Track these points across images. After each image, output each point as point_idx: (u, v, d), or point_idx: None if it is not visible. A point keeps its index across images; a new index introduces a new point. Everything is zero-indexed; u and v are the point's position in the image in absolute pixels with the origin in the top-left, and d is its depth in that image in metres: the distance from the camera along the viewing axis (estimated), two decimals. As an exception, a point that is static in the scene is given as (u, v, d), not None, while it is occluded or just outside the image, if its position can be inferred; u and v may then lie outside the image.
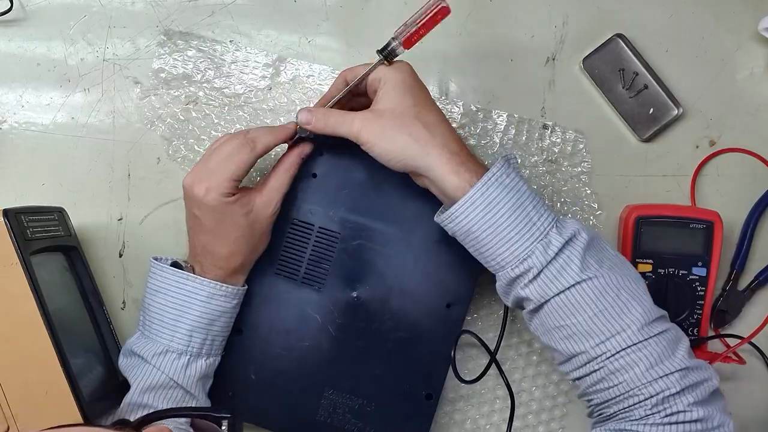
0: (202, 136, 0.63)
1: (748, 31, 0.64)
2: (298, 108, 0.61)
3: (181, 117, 0.64)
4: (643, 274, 0.61)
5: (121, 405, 0.55)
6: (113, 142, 0.64)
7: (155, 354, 0.54)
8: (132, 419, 0.46)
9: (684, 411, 0.46)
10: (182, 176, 0.63)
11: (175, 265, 0.56)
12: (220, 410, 0.43)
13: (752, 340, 0.62)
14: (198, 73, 0.64)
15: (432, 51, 0.64)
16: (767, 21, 0.62)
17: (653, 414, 0.47)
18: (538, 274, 0.48)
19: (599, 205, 0.64)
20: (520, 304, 0.52)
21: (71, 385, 0.49)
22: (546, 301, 0.49)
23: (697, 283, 0.61)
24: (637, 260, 0.61)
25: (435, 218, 0.53)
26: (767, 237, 0.65)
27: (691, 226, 0.61)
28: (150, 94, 0.64)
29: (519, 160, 0.63)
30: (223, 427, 0.43)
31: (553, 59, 0.65)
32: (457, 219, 0.50)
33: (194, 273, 0.55)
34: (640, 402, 0.47)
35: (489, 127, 0.64)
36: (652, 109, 0.63)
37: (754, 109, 0.65)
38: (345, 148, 0.55)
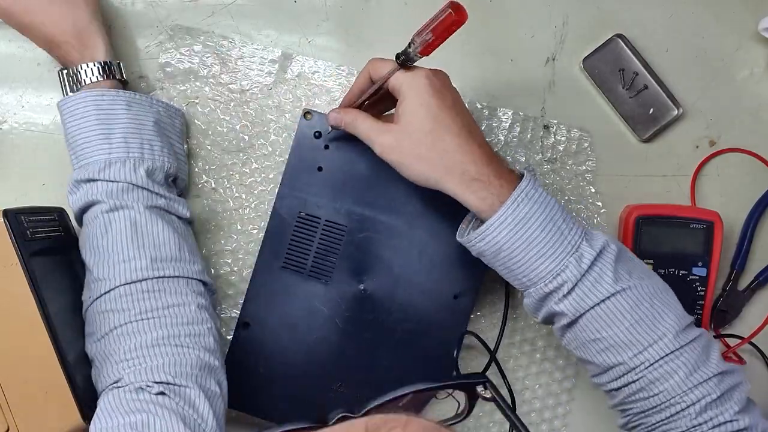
0: (208, 131, 0.63)
1: (748, 31, 0.64)
2: (303, 104, 0.62)
3: (187, 112, 0.64)
4: (643, 274, 0.61)
5: (94, 217, 0.53)
6: (113, 142, 0.64)
7: (100, 170, 0.52)
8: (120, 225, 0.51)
9: (731, 421, 0.47)
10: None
11: (60, 78, 0.57)
12: (471, 376, 0.40)
13: (752, 340, 0.62)
14: (204, 68, 0.64)
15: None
16: (767, 21, 0.62)
17: (701, 425, 0.47)
18: (573, 287, 0.48)
19: (602, 204, 0.64)
20: (551, 319, 0.52)
21: (71, 385, 0.49)
22: (581, 315, 0.49)
23: (697, 283, 0.61)
24: (637, 260, 0.61)
25: (458, 238, 0.53)
26: (767, 237, 0.65)
27: (691, 226, 0.61)
28: (156, 88, 0.64)
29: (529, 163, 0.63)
30: (485, 392, 0.40)
31: (553, 59, 0.65)
32: (487, 238, 0.49)
33: (68, 62, 0.56)
34: (683, 410, 0.47)
35: (494, 124, 0.64)
36: (652, 109, 0.63)
37: (754, 109, 0.65)
38: (351, 141, 0.55)
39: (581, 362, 0.53)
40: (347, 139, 0.56)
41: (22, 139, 0.64)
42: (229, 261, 0.63)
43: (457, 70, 0.65)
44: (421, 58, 0.51)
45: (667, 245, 0.61)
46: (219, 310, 0.62)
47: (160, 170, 0.55)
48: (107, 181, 0.53)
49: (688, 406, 0.47)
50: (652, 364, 0.48)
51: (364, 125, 0.53)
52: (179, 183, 0.59)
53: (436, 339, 0.59)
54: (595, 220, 0.64)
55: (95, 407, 0.51)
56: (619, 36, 0.63)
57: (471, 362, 0.64)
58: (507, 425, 0.61)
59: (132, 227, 0.52)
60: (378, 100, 0.56)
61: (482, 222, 0.50)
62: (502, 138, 0.64)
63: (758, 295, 0.64)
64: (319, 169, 0.59)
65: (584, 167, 0.64)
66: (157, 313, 0.50)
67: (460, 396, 0.40)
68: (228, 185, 0.63)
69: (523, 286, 0.51)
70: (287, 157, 0.60)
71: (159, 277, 0.51)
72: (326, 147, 0.59)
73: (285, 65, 0.64)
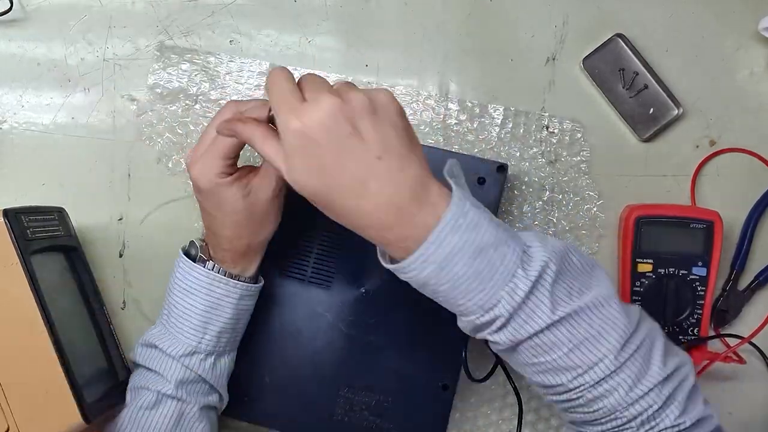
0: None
1: (748, 31, 0.64)
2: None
3: (179, 131, 0.64)
4: (643, 274, 0.61)
5: (149, 394, 0.54)
6: (113, 142, 0.64)
7: (184, 354, 0.53)
8: (164, 420, 0.53)
9: (673, 426, 0.45)
10: (180, 176, 0.64)
11: (192, 245, 0.55)
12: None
13: (752, 340, 0.62)
14: (193, 86, 0.64)
15: (432, 50, 0.64)
16: (767, 21, 0.62)
17: None
18: (506, 322, 0.44)
19: (599, 196, 0.64)
20: (487, 342, 0.49)
21: (71, 384, 0.49)
22: (517, 345, 0.46)
23: (697, 283, 0.61)
24: (637, 260, 0.61)
25: (379, 257, 0.47)
26: (767, 237, 0.65)
27: (691, 226, 0.61)
28: (146, 110, 0.64)
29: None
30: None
31: (553, 59, 0.65)
32: (408, 274, 0.44)
33: (208, 254, 0.54)
34: (625, 424, 0.46)
35: (486, 121, 0.64)
36: (652, 109, 0.63)
37: (754, 108, 0.65)
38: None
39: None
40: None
41: (21, 139, 0.64)
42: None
43: (457, 69, 0.65)
44: None
45: (667, 245, 0.61)
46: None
47: (232, 361, 0.57)
48: (184, 366, 0.53)
49: (629, 420, 0.45)
50: (592, 385, 0.45)
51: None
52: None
53: (440, 337, 0.59)
54: (593, 211, 0.64)
55: (96, 406, 0.51)
56: (619, 36, 0.63)
57: (479, 359, 0.64)
58: (516, 421, 0.61)
59: (176, 420, 0.53)
60: None
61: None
62: (495, 134, 0.64)
63: (758, 295, 0.64)
64: None
65: (578, 158, 0.64)
66: None
67: None
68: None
69: (458, 314, 0.47)
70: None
71: None
72: None
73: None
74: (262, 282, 0.58)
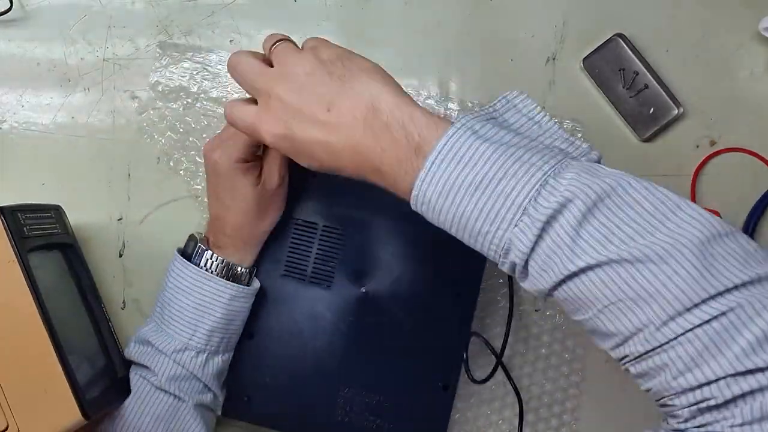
0: (201, 146, 0.63)
1: (748, 31, 0.64)
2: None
3: (180, 129, 0.64)
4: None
5: (141, 387, 0.56)
6: (113, 142, 0.64)
7: (175, 350, 0.55)
8: (163, 406, 0.54)
9: None
10: (182, 176, 0.64)
11: (192, 239, 0.56)
12: None
13: (752, 340, 0.62)
14: (194, 84, 0.64)
15: (432, 50, 0.64)
16: (767, 21, 0.62)
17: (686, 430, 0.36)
18: (524, 269, 0.38)
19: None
20: None
21: (70, 382, 0.49)
22: (546, 297, 0.40)
23: (698, 283, 0.61)
24: (637, 260, 0.61)
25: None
26: (767, 237, 0.65)
27: (691, 225, 0.61)
28: (148, 109, 0.64)
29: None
30: None
31: (553, 59, 0.65)
32: (421, 207, 0.41)
33: (209, 244, 0.56)
34: (675, 412, 0.36)
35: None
36: (652, 109, 0.63)
37: (754, 108, 0.65)
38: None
39: None
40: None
41: (21, 138, 0.64)
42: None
43: (457, 69, 0.65)
44: None
45: (668, 245, 0.61)
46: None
47: (226, 362, 0.58)
48: (176, 363, 0.55)
49: (679, 409, 0.36)
50: (634, 359, 0.37)
51: None
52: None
53: (440, 337, 0.59)
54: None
55: (95, 403, 0.51)
56: (620, 36, 0.63)
57: (479, 360, 0.64)
58: (517, 421, 0.61)
59: (172, 411, 0.55)
60: None
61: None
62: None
63: (758, 295, 0.64)
64: (314, 174, 0.59)
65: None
66: None
67: None
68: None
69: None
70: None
71: None
72: None
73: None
74: (258, 285, 0.58)
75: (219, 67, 0.64)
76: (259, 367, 0.60)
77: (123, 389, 0.56)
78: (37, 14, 0.64)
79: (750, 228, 0.63)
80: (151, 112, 0.64)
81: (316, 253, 0.59)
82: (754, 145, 0.64)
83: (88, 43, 0.64)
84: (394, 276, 0.59)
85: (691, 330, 0.34)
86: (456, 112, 0.64)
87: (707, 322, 0.34)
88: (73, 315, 0.57)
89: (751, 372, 0.33)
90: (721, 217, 0.62)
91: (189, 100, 0.64)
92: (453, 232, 0.41)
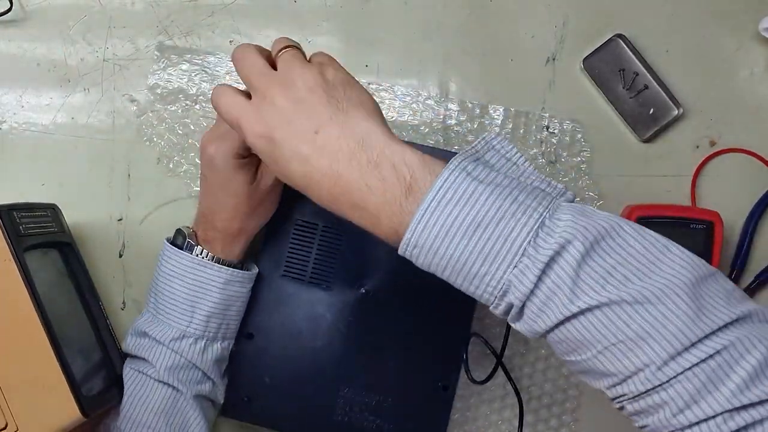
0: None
1: (748, 31, 0.64)
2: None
3: (179, 131, 0.64)
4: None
5: (138, 382, 0.55)
6: (113, 142, 0.64)
7: (172, 339, 0.54)
8: (162, 399, 0.54)
9: None
10: (181, 177, 0.64)
11: (180, 233, 0.56)
12: None
13: (752, 341, 0.62)
14: (193, 86, 0.64)
15: (432, 51, 0.64)
16: (767, 21, 0.62)
17: None
18: (521, 311, 0.38)
19: (599, 196, 0.64)
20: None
21: (69, 380, 0.49)
22: (542, 337, 0.40)
23: (698, 283, 0.61)
24: (637, 260, 0.61)
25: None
26: (767, 237, 0.65)
27: (691, 226, 0.61)
28: (147, 111, 0.64)
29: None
30: None
31: (553, 59, 0.65)
32: (412, 250, 0.39)
33: (197, 238, 0.56)
34: None
35: (486, 122, 0.64)
36: (652, 109, 0.63)
37: (754, 109, 0.65)
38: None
39: None
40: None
41: (21, 139, 0.64)
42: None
43: (457, 70, 0.65)
44: None
45: (668, 245, 0.61)
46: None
47: (226, 350, 0.58)
48: (173, 351, 0.54)
49: None
50: (632, 398, 0.38)
51: None
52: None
53: (440, 337, 0.59)
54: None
55: (94, 401, 0.51)
56: (619, 36, 0.63)
57: (480, 360, 0.64)
58: (516, 422, 0.61)
59: (171, 403, 0.54)
60: None
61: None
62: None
63: (758, 295, 0.64)
64: None
65: (579, 158, 0.64)
66: None
67: None
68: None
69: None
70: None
71: None
72: None
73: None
74: (256, 270, 0.58)
75: (217, 69, 0.64)
76: (259, 367, 0.59)
77: (122, 387, 0.56)
78: (37, 14, 0.64)
79: (750, 228, 0.63)
80: (150, 114, 0.64)
81: (316, 254, 0.59)
82: (754, 145, 0.64)
83: (88, 44, 0.64)
84: (393, 276, 0.59)
85: (690, 368, 0.35)
86: (456, 113, 0.64)
87: (704, 360, 0.35)
88: (70, 313, 0.57)
89: (745, 407, 0.35)
90: (721, 217, 0.62)
91: (188, 103, 0.64)
92: (446, 275, 0.39)
